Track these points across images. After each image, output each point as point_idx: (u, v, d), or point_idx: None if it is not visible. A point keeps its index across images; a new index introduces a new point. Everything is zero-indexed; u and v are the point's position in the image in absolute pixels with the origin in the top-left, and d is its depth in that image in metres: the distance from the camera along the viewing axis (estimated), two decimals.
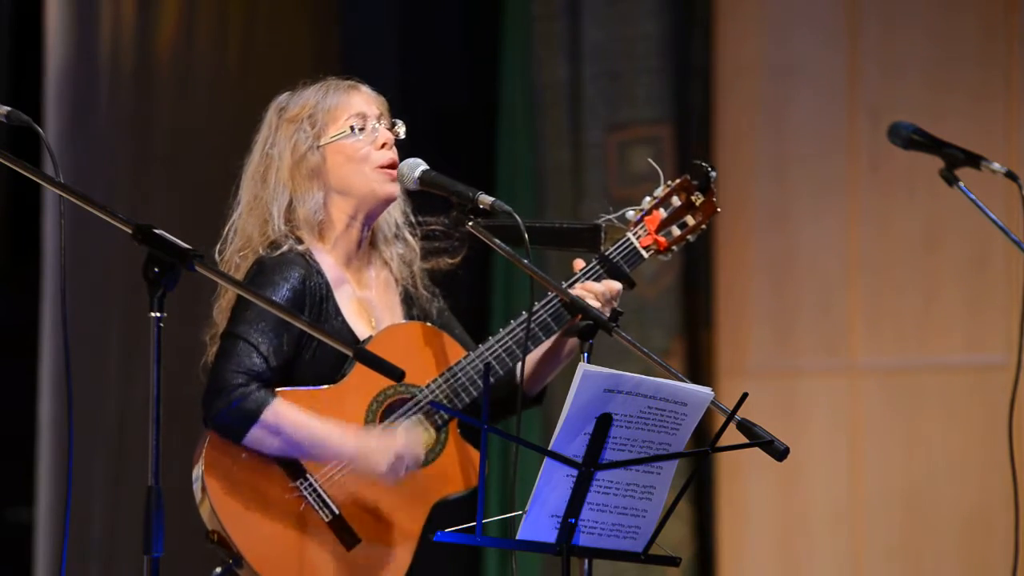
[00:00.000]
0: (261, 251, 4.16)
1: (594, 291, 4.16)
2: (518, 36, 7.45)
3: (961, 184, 4.72)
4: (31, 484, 6.92)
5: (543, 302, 4.16)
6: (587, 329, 3.94)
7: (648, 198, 4.27)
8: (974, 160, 4.75)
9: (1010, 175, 4.72)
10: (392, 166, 4.21)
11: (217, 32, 7.32)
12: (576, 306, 3.99)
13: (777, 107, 7.25)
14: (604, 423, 3.45)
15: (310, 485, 4.09)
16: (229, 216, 4.28)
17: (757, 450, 3.70)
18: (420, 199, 4.29)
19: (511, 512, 3.63)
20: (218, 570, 4.07)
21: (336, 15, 7.55)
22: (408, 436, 4.11)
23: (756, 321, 7.23)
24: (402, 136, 4.26)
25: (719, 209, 4.29)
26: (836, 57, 7.17)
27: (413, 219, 4.34)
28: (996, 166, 4.74)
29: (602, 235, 4.27)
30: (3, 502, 7.14)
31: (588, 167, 7.33)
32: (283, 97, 4.28)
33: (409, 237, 4.32)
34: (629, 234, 4.23)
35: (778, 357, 7.19)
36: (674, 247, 4.28)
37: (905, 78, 7.06)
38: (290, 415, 4.05)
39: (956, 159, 4.75)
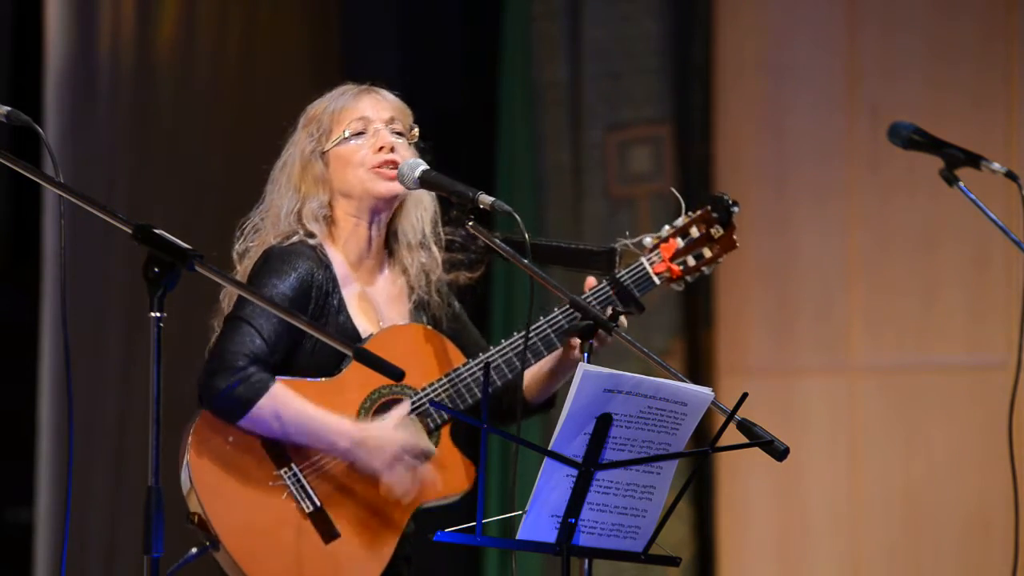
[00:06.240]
0: (272, 241, 4.17)
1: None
2: (518, 36, 7.44)
3: (961, 184, 4.71)
4: (31, 484, 6.92)
5: (549, 317, 4.16)
6: (587, 329, 3.94)
7: (667, 227, 4.25)
8: (974, 160, 4.75)
9: (1010, 175, 4.72)
10: (386, 165, 4.20)
11: (217, 32, 7.31)
12: (576, 306, 3.99)
13: (777, 107, 7.25)
14: (604, 423, 3.45)
15: (294, 475, 4.08)
16: (249, 213, 4.29)
17: (757, 450, 3.70)
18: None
19: (511, 512, 3.63)
20: (194, 550, 4.06)
21: (336, 15, 7.54)
22: (409, 431, 4.11)
23: (756, 321, 7.23)
24: (416, 138, 4.28)
25: (738, 245, 4.28)
26: (836, 58, 7.17)
27: (441, 230, 4.33)
28: (996, 166, 4.73)
29: (617, 259, 4.25)
30: (3, 502, 7.15)
31: (588, 167, 7.33)
32: (314, 101, 4.30)
33: (435, 248, 4.30)
34: (643, 259, 4.22)
35: (778, 357, 7.19)
36: (688, 277, 4.26)
37: (905, 79, 7.06)
38: (289, 400, 4.05)
39: (956, 159, 4.75)
